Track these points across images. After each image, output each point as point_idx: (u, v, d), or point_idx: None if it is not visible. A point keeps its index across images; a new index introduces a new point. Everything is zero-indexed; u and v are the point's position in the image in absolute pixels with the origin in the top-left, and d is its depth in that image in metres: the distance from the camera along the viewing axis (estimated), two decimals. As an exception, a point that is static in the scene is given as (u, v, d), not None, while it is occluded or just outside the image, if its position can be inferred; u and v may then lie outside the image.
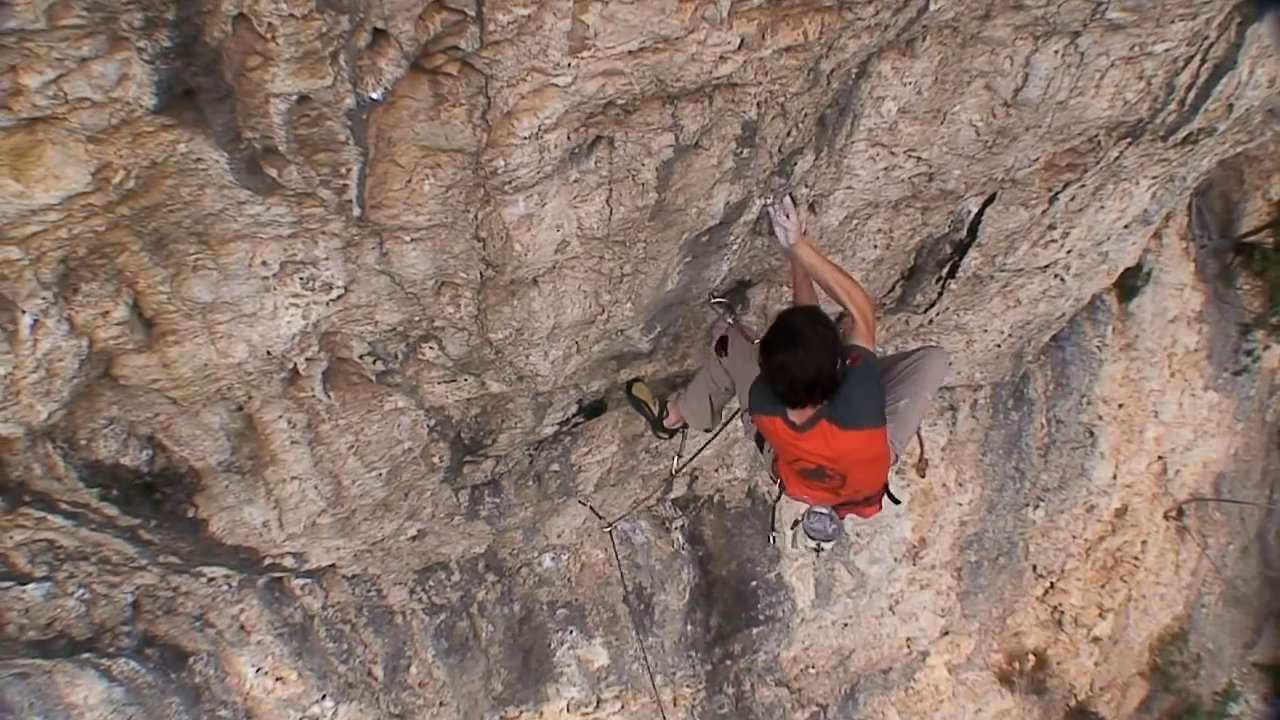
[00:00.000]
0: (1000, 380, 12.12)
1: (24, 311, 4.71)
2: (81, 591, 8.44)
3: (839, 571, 13.04)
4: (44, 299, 4.70)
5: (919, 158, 6.53)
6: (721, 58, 4.81)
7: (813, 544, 6.73)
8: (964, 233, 7.84)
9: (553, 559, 11.37)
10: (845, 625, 13.56)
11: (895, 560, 13.33)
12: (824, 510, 6.43)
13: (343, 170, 4.58)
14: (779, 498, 6.87)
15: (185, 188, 4.51)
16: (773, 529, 9.75)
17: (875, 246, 7.47)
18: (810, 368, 5.38)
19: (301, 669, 10.75)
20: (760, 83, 5.15)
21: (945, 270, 8.35)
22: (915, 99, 6.02)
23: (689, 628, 12.54)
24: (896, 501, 6.78)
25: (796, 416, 5.65)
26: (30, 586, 7.94)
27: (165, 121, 4.08)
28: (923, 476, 12.08)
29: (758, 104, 5.34)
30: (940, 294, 8.70)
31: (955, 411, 12.51)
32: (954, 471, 13.06)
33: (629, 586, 11.77)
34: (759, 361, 5.58)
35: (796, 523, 6.71)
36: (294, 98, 4.07)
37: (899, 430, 6.12)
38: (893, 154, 6.43)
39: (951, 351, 9.90)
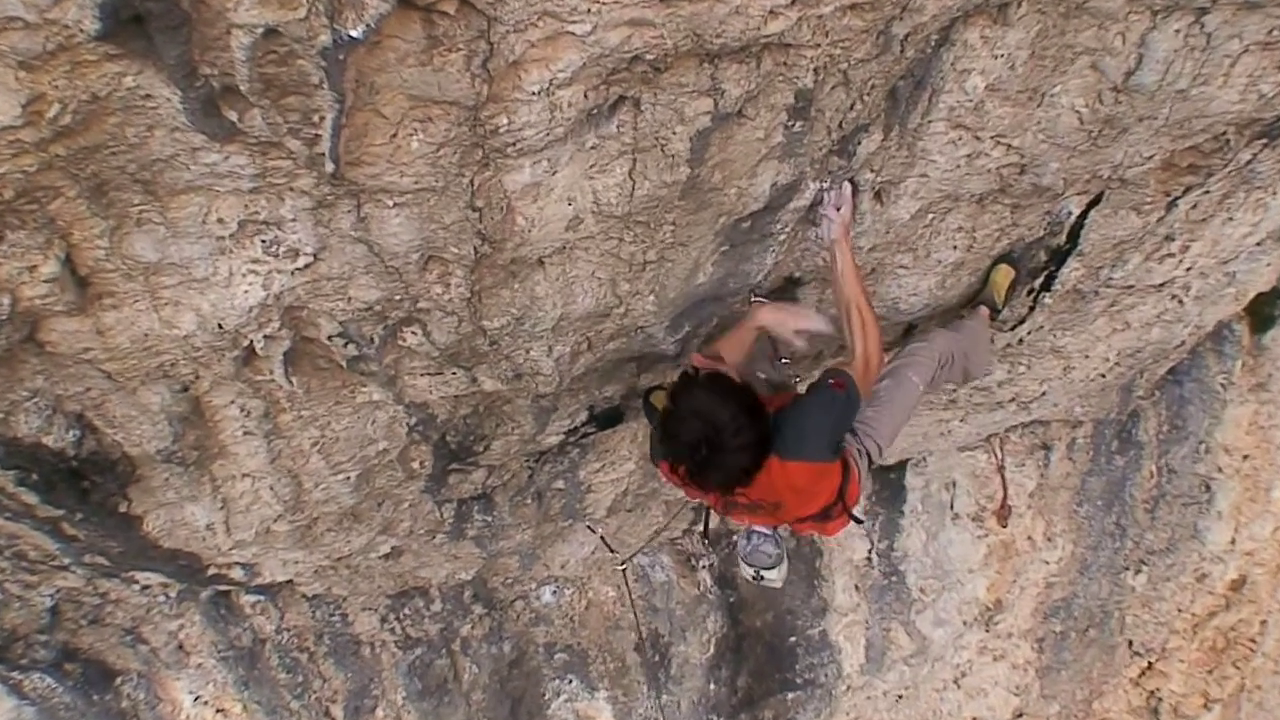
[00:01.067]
0: (1104, 417, 11.88)
1: (-66, 260, 4.76)
2: (-9, 591, 8.53)
3: (896, 633, 12.99)
4: (-41, 247, 4.74)
5: (1009, 145, 6.46)
6: (772, 12, 4.80)
7: (751, 573, 6.71)
8: (1063, 238, 7.74)
9: (553, 593, 11.40)
10: (900, 698, 13.51)
11: (965, 624, 13.21)
12: (766, 530, 6.41)
13: (315, 118, 4.61)
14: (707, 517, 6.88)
15: (131, 128, 4.54)
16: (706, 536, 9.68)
17: (954, 247, 7.40)
18: (735, 467, 5.34)
19: (247, 700, 10.83)
20: (819, 45, 5.13)
21: (1039, 281, 8.27)
22: (1007, 75, 5.96)
23: (712, 686, 12.55)
24: (859, 521, 6.70)
25: None
26: (-74, 581, 8.03)
27: (110, 50, 4.11)
28: (1004, 526, 12.04)
29: (815, 70, 5.32)
30: (1032, 309, 8.63)
31: (1048, 451, 12.31)
32: (1042, 523, 12.90)
33: (643, 632, 11.78)
34: (662, 442, 5.53)
35: (732, 534, 6.70)
36: (260, 30, 4.11)
37: (876, 420, 6.18)
38: (978, 139, 6.38)
39: (1045, 379, 9.87)
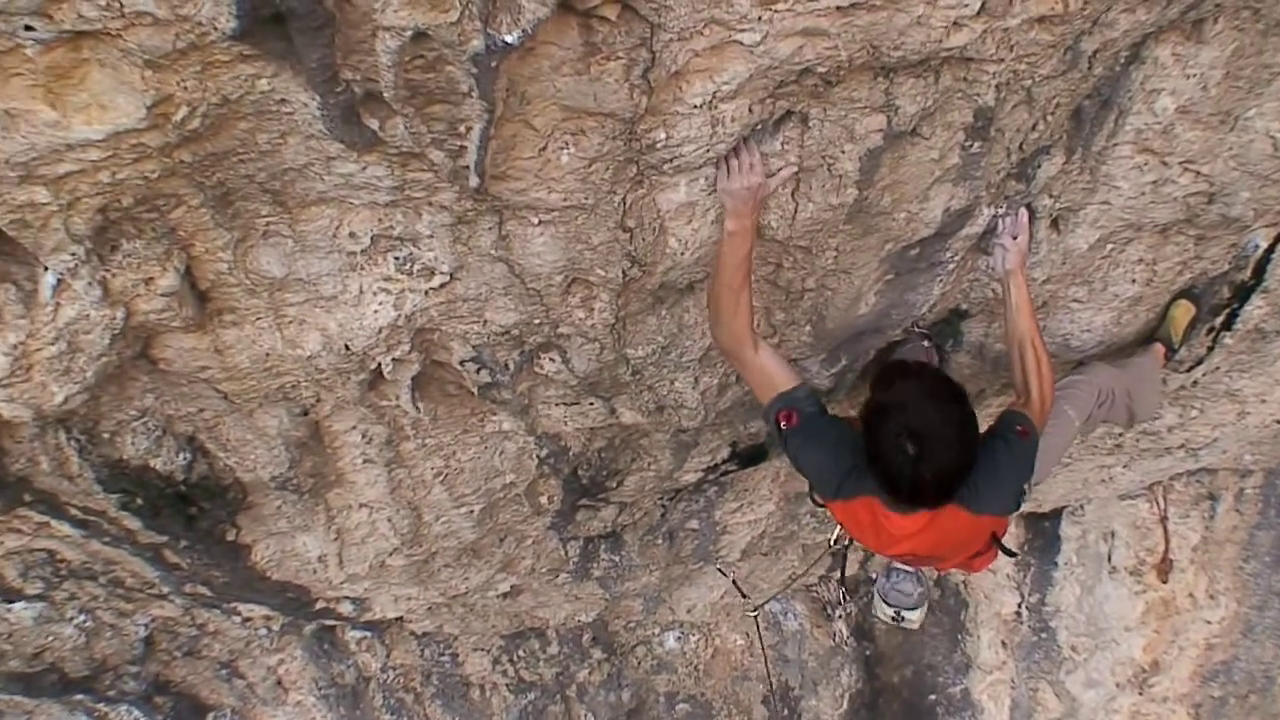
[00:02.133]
0: (1277, 466, 11.71)
1: (46, 268, 4.74)
2: (83, 618, 8.54)
3: (1044, 694, 12.81)
4: (73, 255, 4.71)
5: (1198, 172, 6.33)
6: (955, 24, 4.70)
7: (890, 612, 6.59)
8: (1248, 273, 7.61)
9: (678, 639, 11.34)
10: (1044, 764, 13.36)
11: (1118, 686, 12.98)
12: (909, 569, 6.28)
13: (461, 129, 4.55)
14: (846, 545, 6.73)
15: (263, 134, 4.51)
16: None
17: (1133, 280, 7.25)
18: (952, 466, 5.11)
19: (348, 743, 10.82)
20: (1002, 60, 5.04)
21: (1220, 320, 8.13)
22: (1199, 96, 5.84)
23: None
24: (1011, 554, 6.57)
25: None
26: (18, 605, 8.05)
27: (245, 50, 4.05)
28: (1164, 582, 11.84)
29: (997, 86, 5.23)
30: (1211, 349, 8.49)
31: (1214, 502, 12.05)
32: (1205, 579, 12.66)
33: (773, 684, 11.70)
34: (867, 445, 5.22)
35: (871, 581, 6.59)
36: (408, 33, 4.05)
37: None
38: (1165, 164, 6.26)
39: (1219, 424, 9.71)
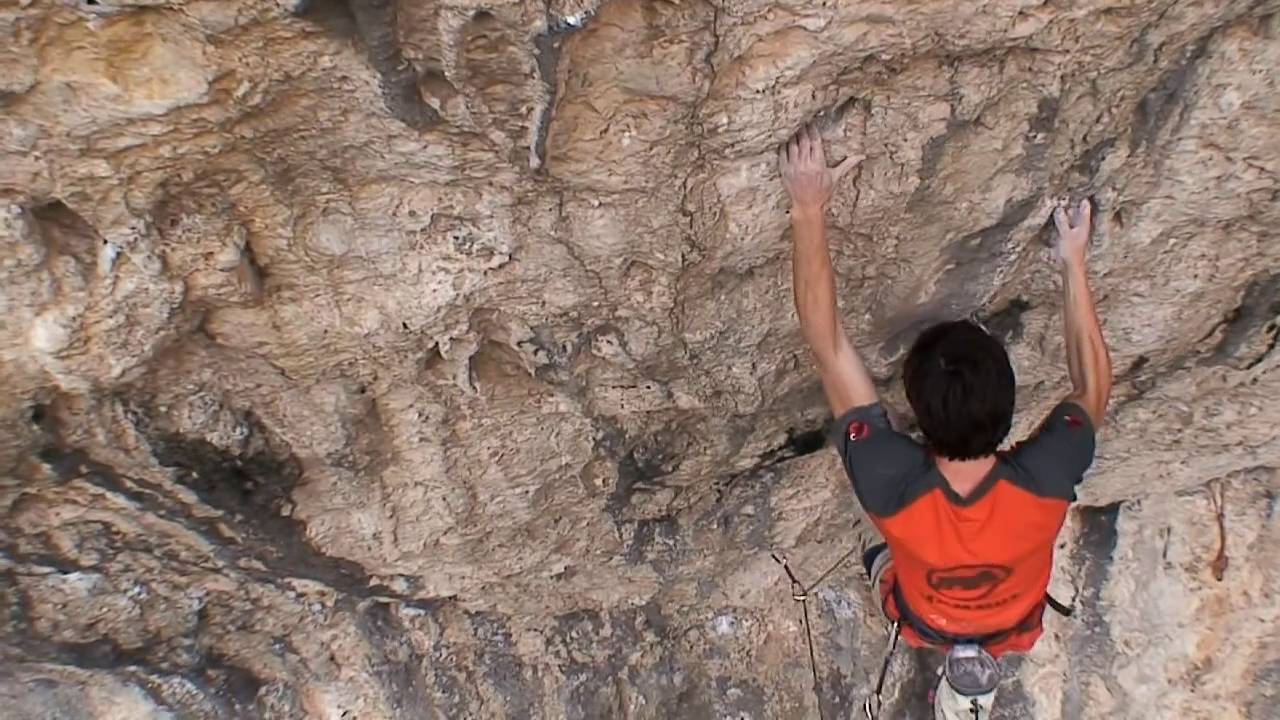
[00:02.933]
0: (1334, 463, 11.67)
1: (106, 241, 4.76)
2: (137, 590, 8.57)
3: (1096, 688, 12.72)
4: (133, 229, 4.73)
5: (1262, 168, 6.22)
6: (1021, 13, 4.65)
7: (967, 702, 6.54)
8: (1310, 270, 7.54)
9: (730, 624, 11.32)
10: (1095, 758, 13.29)
11: (1169, 682, 12.87)
12: (972, 653, 6.26)
13: (522, 109, 4.55)
14: (894, 646, 6.74)
15: (324, 111, 4.51)
16: (878, 693, 9.44)
17: (1195, 276, 7.18)
18: (994, 397, 5.25)
19: (398, 719, 10.82)
20: (1068, 51, 4.98)
21: (1281, 318, 8.10)
22: (1265, 92, 5.74)
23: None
24: (1067, 611, 6.54)
25: (962, 483, 5.50)
26: (73, 576, 8.08)
27: (307, 27, 4.05)
28: (1219, 579, 11.75)
29: (1061, 77, 5.17)
30: (1271, 347, 8.35)
31: (1271, 500, 11.87)
32: (1260, 577, 12.51)
33: (823, 672, 11.67)
34: (912, 400, 5.48)
35: (939, 679, 6.54)
36: (471, 13, 4.04)
37: None
38: (1229, 159, 6.16)
39: (1277, 422, 9.63)
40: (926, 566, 5.83)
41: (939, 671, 6.54)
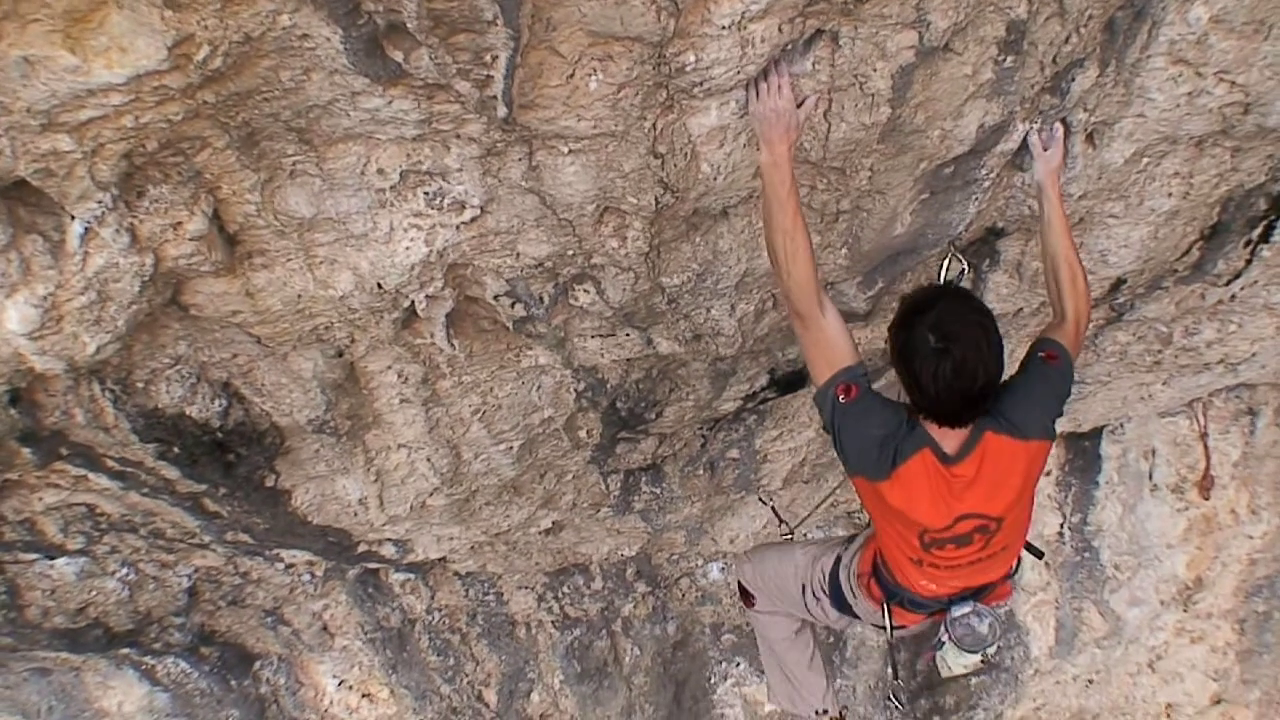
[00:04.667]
0: (1316, 379, 11.70)
1: (73, 217, 4.74)
2: (125, 571, 8.57)
3: (1089, 613, 12.76)
4: (100, 203, 4.71)
5: (1233, 82, 6.24)
6: (986, -65, 4.68)
7: (975, 658, 6.53)
8: (1285, 185, 7.56)
9: (721, 570, 11.34)
10: (1090, 682, 13.29)
11: (1162, 603, 12.92)
12: (968, 608, 6.23)
13: (487, 58, 4.53)
14: (891, 630, 6.72)
15: (286, 71, 4.48)
16: (895, 679, 9.40)
17: (1169, 195, 7.19)
18: (985, 371, 5.13)
19: (395, 685, 10.87)
20: (1034, -29, 4.99)
21: (1257, 232, 8.04)
22: (1233, 5, 5.75)
23: (890, 670, 12.42)
24: (1040, 555, 6.53)
25: (949, 441, 5.42)
26: (61, 561, 8.08)
27: (265, -15, 4.04)
28: (1206, 499, 11.79)
29: (1029, -1, 5.19)
30: (1249, 262, 8.39)
31: (1255, 417, 11.96)
32: (1247, 494, 12.56)
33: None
34: (899, 371, 5.32)
35: (938, 642, 6.51)
36: (431, -39, 4.02)
37: None
38: (1199, 75, 6.18)
39: (1257, 339, 9.65)
40: (919, 528, 5.75)
41: (938, 635, 6.51)
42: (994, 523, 5.67)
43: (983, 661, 6.43)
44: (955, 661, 6.45)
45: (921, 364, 5.06)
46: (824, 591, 6.73)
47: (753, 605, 7.32)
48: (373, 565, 9.46)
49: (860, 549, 6.51)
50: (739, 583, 7.40)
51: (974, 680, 12.67)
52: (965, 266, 7.21)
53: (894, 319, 5.30)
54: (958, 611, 6.11)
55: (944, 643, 6.34)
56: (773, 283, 6.50)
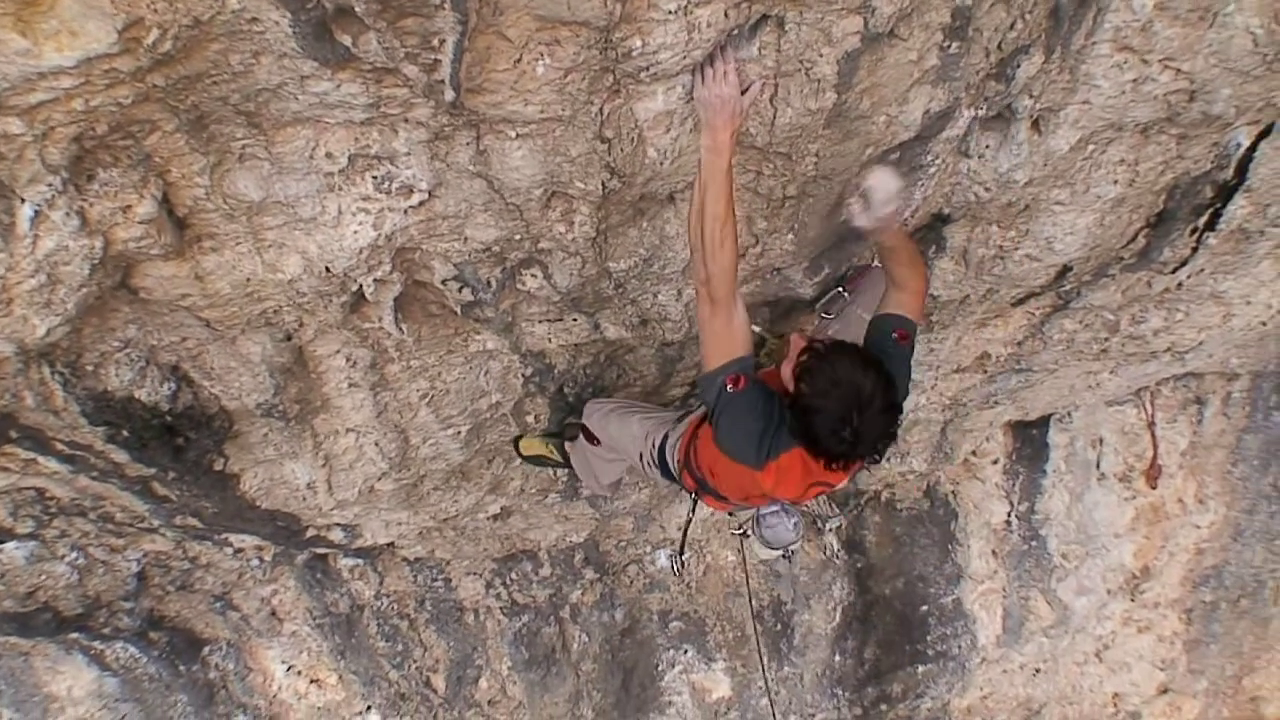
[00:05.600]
0: (1263, 369, 11.63)
1: (23, 200, 4.76)
2: (75, 555, 8.57)
3: (1035, 602, 12.82)
4: (49, 186, 4.74)
5: (1178, 69, 6.27)
6: (929, -81, 4.72)
7: (776, 553, 6.59)
8: (1230, 172, 7.53)
9: (669, 557, 11.36)
10: (1037, 671, 13.36)
11: (1109, 593, 12.98)
12: (775, 507, 6.29)
13: (434, 42, 4.55)
14: (693, 513, 6.82)
15: (235, 55, 4.50)
16: (682, 553, 9.51)
17: (1115, 182, 7.21)
18: (882, 436, 5.22)
19: (343, 671, 10.87)
20: (979, -44, 5.03)
21: (1203, 220, 8.06)
22: (1178, -8, 5.84)
23: (837, 658, 12.46)
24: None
25: None
26: (10, 545, 8.08)
27: (214, -31, 4.07)
28: (1153, 488, 11.84)
29: (974, -15, 5.21)
30: (1195, 250, 8.43)
31: (1202, 406, 12.01)
32: (1194, 484, 12.63)
33: (764, 600, 11.73)
34: (798, 411, 5.28)
35: (745, 534, 6.57)
36: (378, -54, 4.05)
37: None
38: (1144, 62, 6.21)
39: (1204, 327, 9.71)
40: (771, 496, 5.92)
41: (746, 527, 6.60)
42: (837, 486, 5.80)
43: (784, 557, 6.54)
44: (761, 551, 6.54)
45: (826, 441, 5.14)
46: (654, 462, 6.80)
47: (596, 445, 7.33)
48: (321, 550, 9.47)
49: (680, 437, 6.56)
50: (583, 425, 7.42)
51: (920, 669, 12.74)
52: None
53: (805, 356, 5.27)
54: (765, 509, 6.19)
55: (750, 535, 6.44)
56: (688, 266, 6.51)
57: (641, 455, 6.94)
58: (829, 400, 5.12)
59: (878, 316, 5.86)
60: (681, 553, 9.14)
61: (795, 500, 5.97)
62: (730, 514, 6.92)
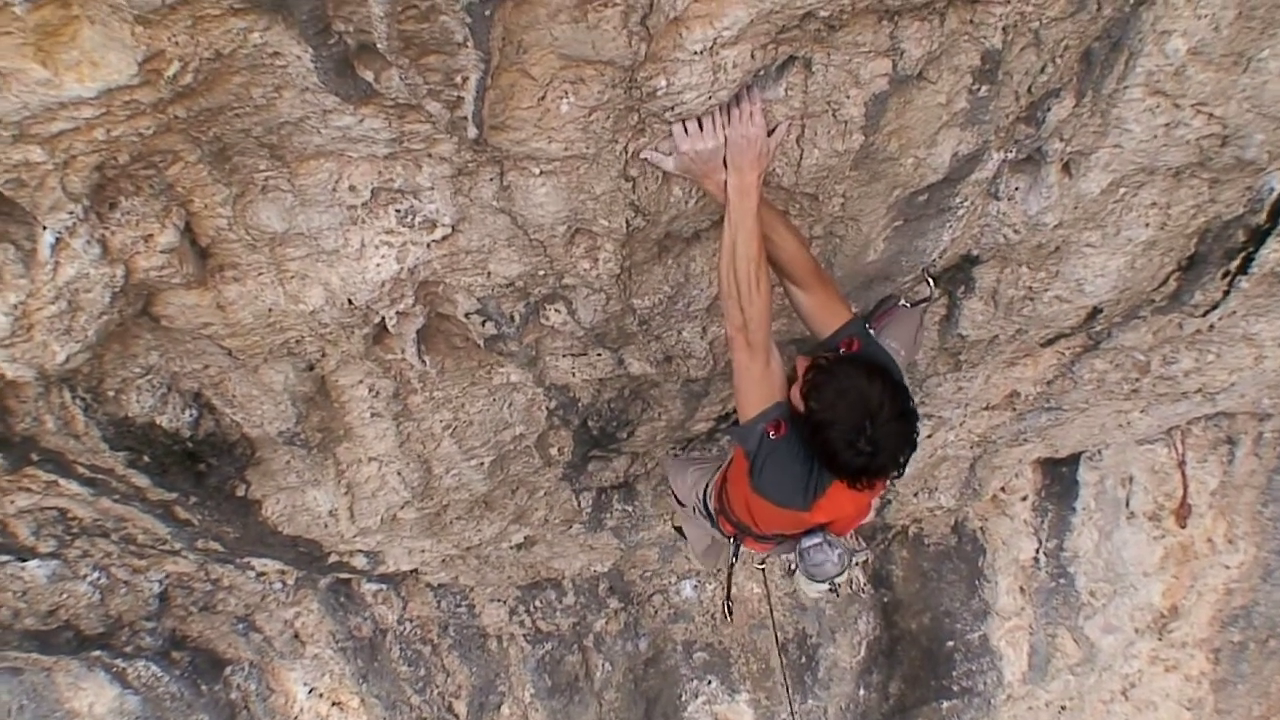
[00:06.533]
0: (1296, 411, 11.68)
1: (45, 227, 4.73)
2: (97, 575, 8.58)
3: (1063, 639, 12.78)
4: (71, 213, 4.70)
5: (1210, 114, 6.23)
6: (961, -37, 4.67)
7: (824, 587, 6.57)
8: (1263, 216, 7.49)
9: (694, 588, 11.34)
10: (1063, 709, 13.30)
11: (1136, 631, 12.94)
12: (817, 539, 6.25)
13: (457, 79, 4.52)
14: (735, 557, 6.84)
15: (257, 88, 4.48)
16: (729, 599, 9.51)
17: (1146, 225, 7.18)
18: (905, 441, 5.23)
19: (365, 694, 10.87)
20: (1009, 1, 4.99)
21: (1235, 263, 8.03)
22: (1211, 37, 5.74)
23: (861, 692, 12.43)
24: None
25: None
26: (32, 564, 8.09)
27: (236, 3, 4.02)
28: (1182, 527, 11.79)
29: (1004, 29, 5.17)
30: (1227, 293, 8.39)
31: (1233, 446, 11.97)
32: (1224, 524, 12.59)
33: (789, 633, 11.69)
34: (812, 437, 5.28)
35: (792, 571, 6.55)
36: (401, -17, 4.02)
37: None
38: (1177, 106, 6.16)
39: (1236, 368, 9.66)
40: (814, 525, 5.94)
41: (790, 565, 6.58)
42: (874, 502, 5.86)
43: (831, 590, 6.49)
44: (807, 588, 6.52)
45: (844, 455, 5.12)
46: (701, 511, 6.80)
47: (681, 506, 7.34)
48: (344, 575, 9.46)
49: (713, 484, 6.57)
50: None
51: (945, 705, 12.68)
52: (934, 292, 7.22)
53: (807, 414, 5.26)
54: (807, 543, 6.14)
55: (795, 571, 6.41)
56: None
57: (695, 507, 6.93)
58: (838, 411, 5.11)
59: (848, 322, 5.69)
60: (728, 598, 9.12)
61: (842, 531, 5.95)
62: (768, 554, 6.89)
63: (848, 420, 5.06)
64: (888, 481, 5.62)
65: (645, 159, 5.17)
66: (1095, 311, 7.83)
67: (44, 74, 3.97)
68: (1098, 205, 6.83)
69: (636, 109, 4.93)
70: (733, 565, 7.40)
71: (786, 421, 5.37)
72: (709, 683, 11.85)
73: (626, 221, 5.62)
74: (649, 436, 8.09)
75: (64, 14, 3.83)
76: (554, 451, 7.81)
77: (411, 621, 10.45)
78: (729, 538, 6.72)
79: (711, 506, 6.65)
